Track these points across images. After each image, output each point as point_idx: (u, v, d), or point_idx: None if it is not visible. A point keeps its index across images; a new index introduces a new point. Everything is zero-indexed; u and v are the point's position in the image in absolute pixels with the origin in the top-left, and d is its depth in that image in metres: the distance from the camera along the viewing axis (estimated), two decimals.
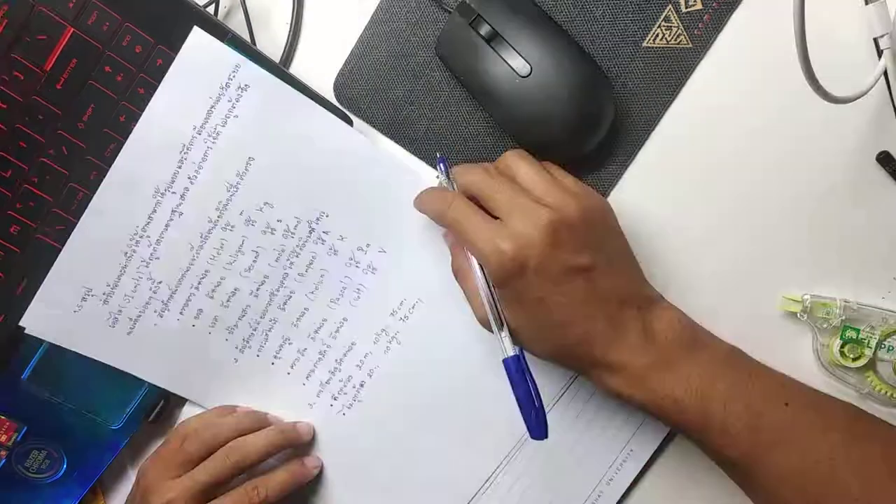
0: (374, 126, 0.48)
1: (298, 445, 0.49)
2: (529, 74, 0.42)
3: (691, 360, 0.40)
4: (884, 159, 0.45)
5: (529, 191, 0.40)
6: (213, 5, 0.46)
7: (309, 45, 0.48)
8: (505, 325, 0.40)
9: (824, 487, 0.38)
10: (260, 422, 0.48)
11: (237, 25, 0.47)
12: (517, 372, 0.39)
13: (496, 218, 0.39)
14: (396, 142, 0.48)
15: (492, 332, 0.40)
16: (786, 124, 0.46)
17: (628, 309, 0.40)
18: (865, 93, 0.42)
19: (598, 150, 0.47)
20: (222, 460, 0.45)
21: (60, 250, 0.45)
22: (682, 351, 0.40)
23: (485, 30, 0.43)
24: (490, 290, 0.40)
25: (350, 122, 0.46)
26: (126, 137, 0.44)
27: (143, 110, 0.43)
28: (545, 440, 0.38)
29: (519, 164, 0.41)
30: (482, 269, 0.40)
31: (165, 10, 0.43)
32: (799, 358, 0.47)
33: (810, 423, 0.39)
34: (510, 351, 0.39)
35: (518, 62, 0.43)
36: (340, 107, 0.47)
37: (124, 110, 0.43)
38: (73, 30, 0.42)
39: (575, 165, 0.46)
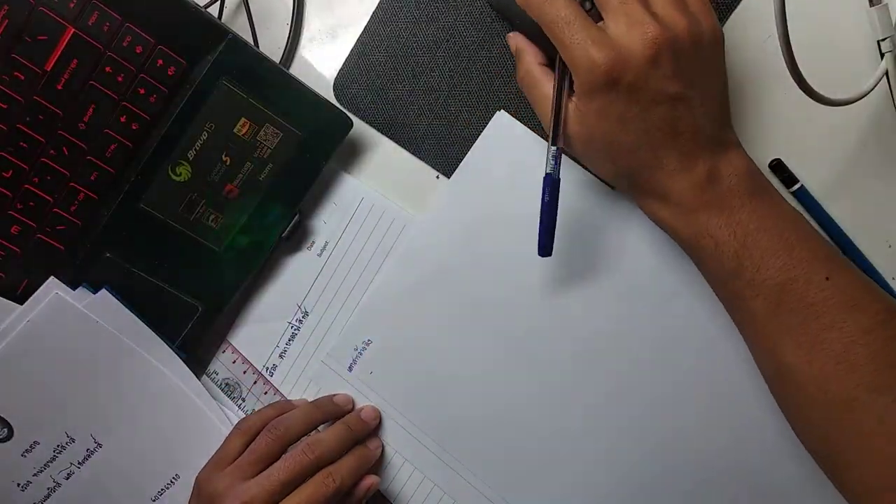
0: (373, 126, 0.48)
1: (367, 433, 0.49)
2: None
3: (746, 208, 0.38)
4: (776, 167, 0.45)
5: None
6: (217, 5, 0.47)
7: (309, 45, 0.48)
8: (560, 141, 0.39)
9: (834, 364, 0.36)
10: (327, 412, 0.48)
11: (238, 25, 0.47)
12: (552, 193, 0.39)
13: (599, 20, 0.37)
14: (396, 142, 0.48)
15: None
16: (785, 124, 0.46)
17: (703, 148, 0.38)
18: (865, 95, 0.42)
19: None
20: (302, 457, 0.44)
21: (61, 250, 0.45)
22: (740, 198, 0.38)
23: None
24: (559, 101, 0.38)
25: (350, 123, 0.47)
26: (127, 138, 0.44)
27: (143, 111, 0.44)
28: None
29: None
30: (563, 75, 0.38)
31: (166, 11, 0.43)
32: None
33: (843, 301, 0.37)
34: (553, 171, 0.39)
35: None
36: (340, 107, 0.47)
37: (125, 111, 0.43)
38: (73, 30, 0.42)
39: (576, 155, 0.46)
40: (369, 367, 0.47)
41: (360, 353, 0.49)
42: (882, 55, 0.43)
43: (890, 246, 0.47)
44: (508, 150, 0.47)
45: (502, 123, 0.47)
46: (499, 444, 0.48)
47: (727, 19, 0.45)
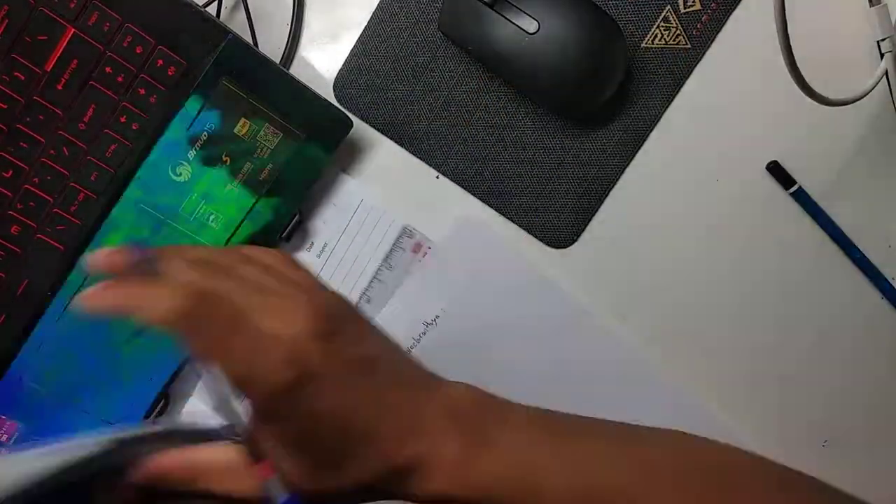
0: (373, 126, 0.48)
1: None
2: (537, 31, 0.43)
3: (506, 431, 0.32)
4: (773, 169, 0.45)
5: (264, 285, 0.30)
6: (216, 5, 0.46)
7: (309, 46, 0.48)
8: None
9: None
10: None
11: (238, 26, 0.47)
12: None
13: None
14: (396, 142, 0.48)
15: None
16: (785, 124, 0.46)
17: (424, 392, 0.32)
18: (864, 95, 0.42)
19: (598, 148, 0.47)
20: None
21: (61, 250, 0.45)
22: (493, 424, 0.32)
23: None
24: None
25: (350, 123, 0.47)
26: (127, 138, 0.44)
27: (143, 111, 0.44)
28: None
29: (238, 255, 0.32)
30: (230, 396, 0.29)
31: (166, 11, 0.43)
32: None
33: (640, 468, 0.32)
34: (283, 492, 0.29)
35: (524, 20, 0.43)
36: (340, 107, 0.47)
37: (125, 111, 0.43)
38: (73, 30, 0.42)
39: (576, 154, 0.46)
40: None
41: None
42: (882, 55, 0.43)
43: (890, 246, 0.47)
44: (472, 253, 0.49)
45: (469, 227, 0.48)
46: None
47: (725, 20, 0.45)
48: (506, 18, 0.43)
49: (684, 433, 0.35)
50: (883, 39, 0.43)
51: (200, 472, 0.31)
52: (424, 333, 0.50)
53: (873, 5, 0.43)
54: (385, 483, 0.31)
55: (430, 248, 0.49)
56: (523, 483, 0.31)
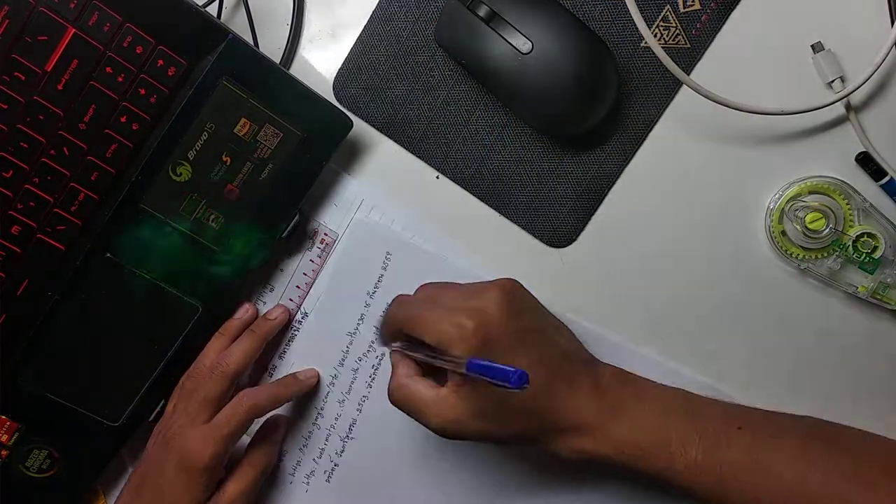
0: (373, 125, 0.48)
1: (271, 334, 0.49)
2: (531, 51, 0.43)
3: (640, 403, 0.42)
4: (863, 160, 0.45)
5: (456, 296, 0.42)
6: (216, 5, 0.47)
7: (309, 46, 0.48)
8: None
9: (790, 489, 0.39)
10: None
11: (238, 26, 0.47)
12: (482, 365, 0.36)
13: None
14: (395, 141, 0.48)
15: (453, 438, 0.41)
16: (784, 123, 0.46)
17: (577, 365, 0.42)
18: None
19: (597, 148, 0.47)
20: (208, 375, 0.46)
21: (61, 250, 0.45)
22: (629, 398, 0.42)
23: (483, 11, 0.43)
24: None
25: (350, 123, 0.47)
26: (127, 138, 0.44)
27: (144, 111, 0.44)
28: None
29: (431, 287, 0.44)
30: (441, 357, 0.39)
31: (167, 11, 0.43)
32: None
33: (767, 438, 0.41)
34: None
35: (519, 40, 0.43)
36: (340, 106, 0.47)
37: (125, 111, 0.44)
38: (74, 30, 0.42)
39: (575, 154, 0.46)
40: None
41: None
42: None
43: None
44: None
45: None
46: None
47: (725, 20, 0.46)
48: (501, 36, 0.43)
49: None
50: (832, 81, 0.44)
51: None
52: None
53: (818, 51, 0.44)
54: (539, 435, 0.41)
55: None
56: (655, 446, 0.40)
